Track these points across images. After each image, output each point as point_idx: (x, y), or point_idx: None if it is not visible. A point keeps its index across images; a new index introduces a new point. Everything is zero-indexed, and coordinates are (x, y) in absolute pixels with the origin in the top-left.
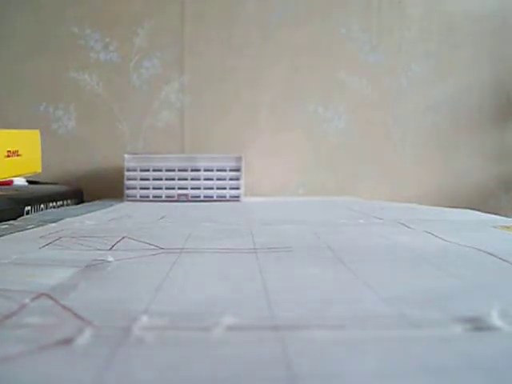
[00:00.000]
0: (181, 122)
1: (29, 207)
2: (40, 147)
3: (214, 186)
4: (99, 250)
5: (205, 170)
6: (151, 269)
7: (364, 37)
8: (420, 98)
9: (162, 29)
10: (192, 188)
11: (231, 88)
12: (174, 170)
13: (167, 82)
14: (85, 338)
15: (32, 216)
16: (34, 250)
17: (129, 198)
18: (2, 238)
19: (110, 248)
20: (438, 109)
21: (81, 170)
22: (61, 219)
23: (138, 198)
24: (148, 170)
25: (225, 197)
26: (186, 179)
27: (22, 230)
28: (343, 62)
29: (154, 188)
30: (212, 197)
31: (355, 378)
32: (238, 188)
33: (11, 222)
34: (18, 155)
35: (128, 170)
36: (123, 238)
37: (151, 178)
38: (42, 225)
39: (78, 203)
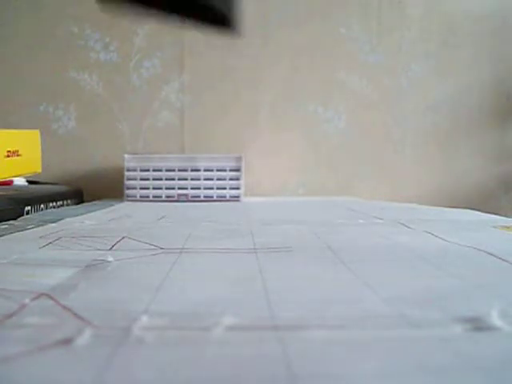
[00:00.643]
0: (181, 122)
1: (29, 207)
2: (40, 147)
3: (214, 186)
4: (99, 250)
5: (205, 170)
6: (151, 269)
7: (364, 37)
8: (420, 98)
9: (161, 29)
10: (192, 188)
11: (231, 88)
12: (173, 170)
13: (167, 82)
14: (85, 338)
15: (32, 216)
16: (34, 250)
17: (129, 198)
18: (2, 237)
19: (110, 248)
20: (437, 109)
21: (81, 170)
22: (61, 219)
23: (138, 198)
24: (148, 170)
25: (225, 197)
26: (185, 179)
27: (21, 230)
28: (343, 62)
29: (154, 188)
30: (212, 197)
31: (355, 378)
32: (238, 188)
33: (11, 221)
34: (18, 155)
35: (128, 170)
36: (123, 238)
37: (151, 178)
38: (41, 225)
39: (78, 203)
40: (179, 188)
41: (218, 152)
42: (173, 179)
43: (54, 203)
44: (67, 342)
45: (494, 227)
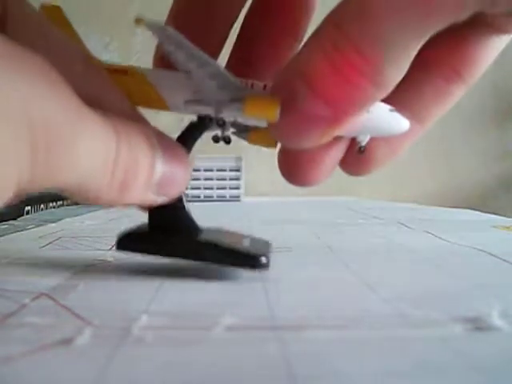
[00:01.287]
0: (180, 123)
1: (29, 207)
2: None
3: (214, 186)
4: (99, 250)
5: (205, 170)
6: (151, 268)
7: None
8: None
9: None
10: (192, 188)
11: None
12: None
13: None
14: (85, 337)
15: (32, 216)
16: (34, 250)
17: None
18: (2, 237)
19: (110, 248)
20: None
21: None
22: (61, 219)
23: None
24: None
25: (225, 197)
26: None
27: (21, 230)
28: None
29: None
30: (212, 197)
31: (355, 378)
32: (238, 188)
33: (11, 221)
34: None
35: None
36: None
37: None
38: (42, 225)
39: (77, 203)
40: None
41: (218, 152)
42: None
43: (54, 203)
44: (67, 341)
45: (495, 227)
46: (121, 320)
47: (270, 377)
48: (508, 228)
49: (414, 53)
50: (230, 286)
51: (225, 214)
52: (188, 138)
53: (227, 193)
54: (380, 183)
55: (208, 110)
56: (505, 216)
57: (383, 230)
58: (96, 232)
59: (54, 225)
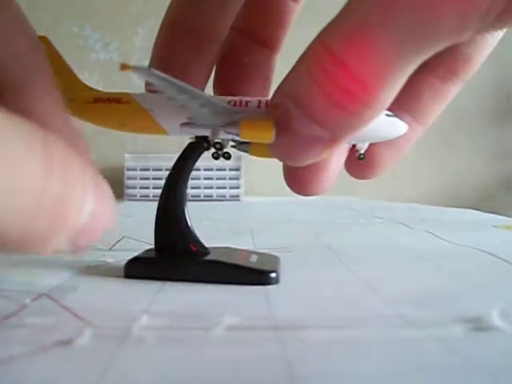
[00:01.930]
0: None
1: None
2: None
3: (214, 186)
4: (99, 249)
5: (204, 170)
6: None
7: None
8: None
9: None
10: (192, 187)
11: None
12: None
13: None
14: (85, 338)
15: None
16: None
17: (129, 198)
18: None
19: (110, 248)
20: None
21: None
22: None
23: (138, 197)
24: (148, 170)
25: (225, 196)
26: None
27: None
28: None
29: (154, 187)
30: (212, 196)
31: (355, 378)
32: (237, 187)
33: None
34: None
35: (128, 170)
36: (123, 237)
37: (151, 178)
38: None
39: None
40: None
41: None
42: None
43: None
44: (67, 342)
45: (495, 227)
46: (121, 320)
47: (270, 377)
48: (509, 228)
49: (411, 72)
50: (230, 287)
51: (224, 213)
52: (188, 158)
53: (227, 192)
54: (380, 183)
55: (205, 132)
56: (505, 216)
57: (383, 229)
58: None
59: None
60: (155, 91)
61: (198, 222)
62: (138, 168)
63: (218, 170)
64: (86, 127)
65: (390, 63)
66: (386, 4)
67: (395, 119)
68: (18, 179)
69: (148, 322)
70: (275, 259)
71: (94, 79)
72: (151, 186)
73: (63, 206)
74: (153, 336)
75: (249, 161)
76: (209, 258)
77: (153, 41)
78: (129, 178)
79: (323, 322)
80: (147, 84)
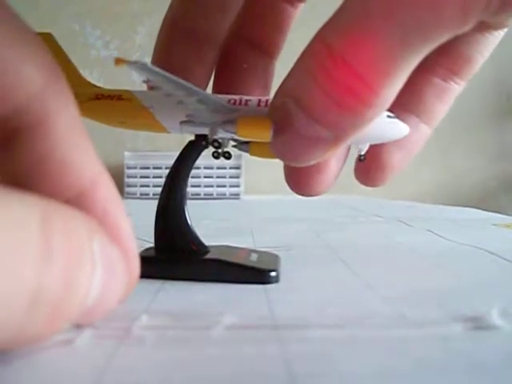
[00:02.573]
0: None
1: None
2: None
3: (214, 184)
4: None
5: (205, 168)
6: None
7: None
8: None
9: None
10: (192, 186)
11: None
12: None
13: None
14: (85, 338)
15: None
16: None
17: (129, 196)
18: None
19: None
20: None
21: None
22: None
23: (138, 195)
24: (148, 168)
25: (225, 195)
26: None
27: None
28: None
29: (153, 186)
30: (212, 194)
31: (355, 378)
32: (238, 186)
33: None
34: None
35: (128, 168)
36: None
37: (151, 176)
38: None
39: None
40: None
41: None
42: None
43: None
44: (68, 342)
45: (495, 225)
46: (121, 320)
47: (269, 376)
48: (508, 226)
49: (414, 67)
50: (229, 286)
51: (225, 212)
52: (187, 157)
53: (227, 191)
54: None
55: (204, 130)
56: (505, 214)
57: (383, 228)
58: None
59: None
60: (155, 88)
61: (198, 221)
62: (138, 166)
63: (218, 168)
64: (86, 126)
65: (393, 58)
66: None
67: (396, 120)
68: (6, 276)
69: (148, 321)
70: (275, 258)
71: (95, 77)
72: (151, 185)
73: (65, 296)
74: (153, 336)
75: (249, 159)
76: (209, 256)
77: (153, 39)
78: (129, 177)
79: (323, 321)
80: (147, 81)
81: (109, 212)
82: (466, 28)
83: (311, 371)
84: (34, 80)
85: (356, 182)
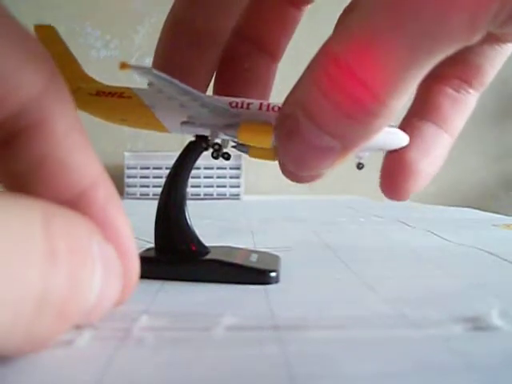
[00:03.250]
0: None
1: None
2: None
3: (214, 184)
4: None
5: (205, 168)
6: None
7: None
8: None
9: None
10: (192, 186)
11: None
12: None
13: None
14: (85, 339)
15: None
16: None
17: (129, 196)
18: None
19: None
20: None
21: None
22: None
23: (138, 195)
24: (148, 168)
25: (225, 195)
26: None
27: None
28: None
29: (154, 186)
30: (212, 195)
31: (355, 378)
32: (238, 186)
33: None
34: None
35: (128, 168)
36: None
37: (151, 176)
38: None
39: None
40: None
41: None
42: None
43: None
44: (67, 343)
45: (495, 226)
46: (121, 321)
47: (270, 377)
48: (508, 227)
49: (422, 77)
50: (230, 286)
51: (225, 212)
52: (188, 157)
53: (227, 191)
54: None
55: (205, 132)
56: (505, 215)
57: (383, 228)
58: None
59: None
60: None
61: (198, 221)
62: (138, 166)
63: (218, 168)
64: (86, 126)
65: (400, 69)
66: (396, 7)
67: (397, 130)
68: (12, 282)
69: (148, 322)
70: (275, 258)
71: (95, 77)
72: (151, 185)
73: (70, 297)
74: (153, 336)
75: (249, 160)
76: (209, 257)
77: (153, 39)
78: (129, 177)
79: (323, 321)
80: (151, 83)
81: (108, 212)
82: (475, 39)
83: (311, 372)
84: (33, 83)
85: (356, 183)
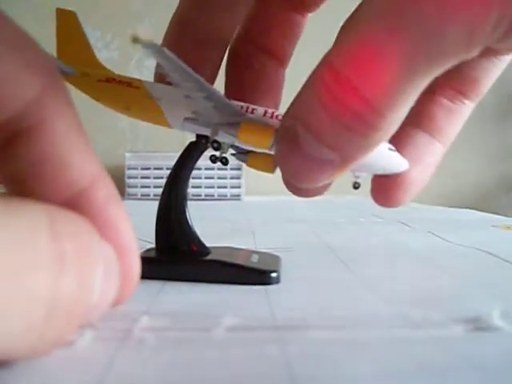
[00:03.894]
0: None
1: None
2: None
3: (215, 185)
4: None
5: (205, 169)
6: None
7: None
8: None
9: (162, 27)
10: (193, 187)
11: None
12: None
13: None
14: (86, 339)
15: None
16: None
17: (130, 197)
18: None
19: None
20: None
21: None
22: None
23: (139, 196)
24: (149, 169)
25: (226, 196)
26: None
27: None
28: None
29: (154, 186)
30: (213, 195)
31: (355, 378)
32: (239, 187)
33: None
34: None
35: (129, 169)
36: None
37: (152, 177)
38: None
39: None
40: None
41: None
42: None
43: None
44: (68, 343)
45: (495, 226)
46: (122, 321)
47: (270, 377)
48: (508, 227)
49: (421, 90)
50: (230, 287)
51: (225, 212)
52: (188, 158)
53: (228, 192)
54: None
55: (205, 131)
56: (505, 216)
57: (383, 229)
58: None
59: None
60: (164, 81)
61: (198, 222)
62: (139, 167)
63: (219, 169)
64: (86, 126)
65: (399, 82)
66: (394, 21)
67: (397, 154)
68: (23, 288)
69: (149, 322)
70: (276, 259)
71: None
72: (152, 185)
73: (79, 298)
74: (153, 337)
75: None
76: (210, 257)
77: (154, 40)
78: (130, 177)
79: (323, 321)
80: (156, 73)
81: (109, 211)
82: (473, 54)
83: (312, 372)
84: (32, 86)
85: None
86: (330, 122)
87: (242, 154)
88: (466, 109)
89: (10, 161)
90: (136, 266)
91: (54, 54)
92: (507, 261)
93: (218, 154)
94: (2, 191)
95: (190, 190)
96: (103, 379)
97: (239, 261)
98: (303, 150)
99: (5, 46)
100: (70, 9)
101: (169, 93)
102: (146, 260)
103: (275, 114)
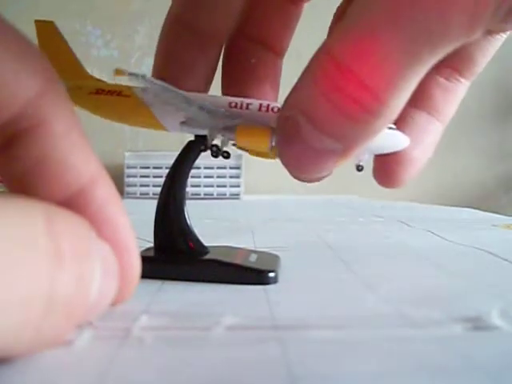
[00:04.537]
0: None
1: None
2: None
3: (214, 184)
4: None
5: (205, 168)
6: None
7: None
8: None
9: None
10: (192, 185)
11: None
12: None
13: None
14: (85, 339)
15: None
16: None
17: (129, 196)
18: None
19: None
20: None
21: None
22: None
23: (138, 195)
24: (148, 168)
25: (225, 195)
26: None
27: None
28: None
29: (153, 185)
30: (212, 194)
31: (355, 378)
32: (238, 186)
33: None
34: None
35: (128, 168)
36: None
37: (151, 176)
38: None
39: None
40: None
41: None
42: None
43: None
44: (67, 343)
45: (495, 226)
46: (121, 320)
47: (269, 377)
48: (508, 227)
49: (422, 76)
50: (229, 286)
51: (225, 211)
52: (187, 157)
53: (227, 191)
54: None
55: (204, 131)
56: (505, 215)
57: (383, 228)
58: None
59: None
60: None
61: (198, 221)
62: (138, 166)
63: (218, 168)
64: (86, 126)
65: (400, 69)
66: (394, 6)
67: (397, 132)
68: (21, 284)
69: (148, 322)
70: (275, 258)
71: (95, 76)
72: (151, 184)
73: (77, 295)
74: (152, 336)
75: (249, 159)
76: (208, 257)
77: (153, 39)
78: (129, 176)
79: (323, 321)
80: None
81: (108, 209)
82: (474, 37)
83: (311, 372)
84: (30, 87)
85: (355, 182)
86: (331, 111)
87: None
88: (461, 87)
89: (10, 161)
90: (136, 265)
91: None
92: (507, 260)
93: (219, 145)
94: (2, 190)
95: (189, 189)
96: (102, 378)
97: (237, 260)
98: (303, 141)
99: (3, 47)
100: (69, 9)
101: (160, 100)
102: (144, 259)
103: (270, 106)
